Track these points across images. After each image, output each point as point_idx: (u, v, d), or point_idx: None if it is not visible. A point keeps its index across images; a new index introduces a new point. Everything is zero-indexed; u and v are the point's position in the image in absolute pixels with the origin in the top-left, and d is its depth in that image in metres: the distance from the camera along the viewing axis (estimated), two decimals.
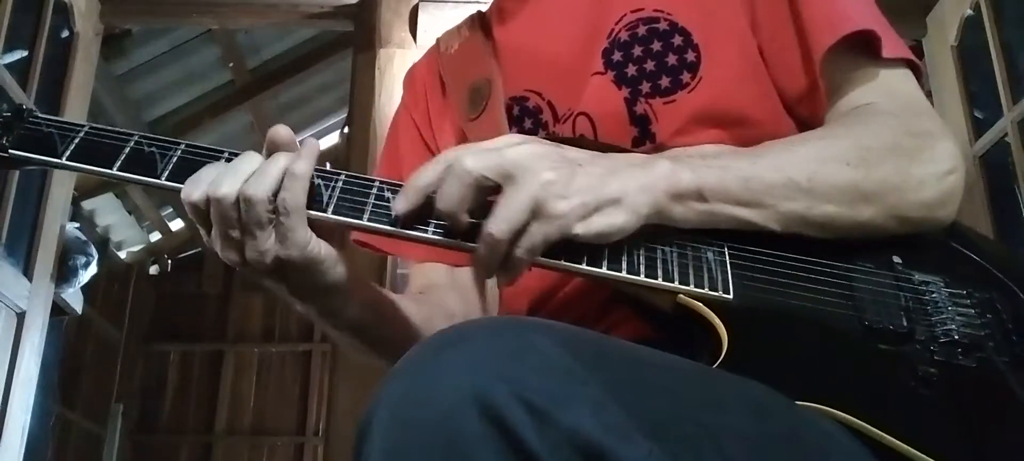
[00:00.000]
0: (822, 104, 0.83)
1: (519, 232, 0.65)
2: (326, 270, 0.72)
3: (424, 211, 0.70)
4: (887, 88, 0.82)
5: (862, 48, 0.82)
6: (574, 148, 0.71)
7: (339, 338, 0.85)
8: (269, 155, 0.71)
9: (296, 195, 0.68)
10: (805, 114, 0.85)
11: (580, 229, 0.67)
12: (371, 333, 0.84)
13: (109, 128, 0.77)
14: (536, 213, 0.65)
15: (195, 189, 0.69)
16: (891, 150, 0.76)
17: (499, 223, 0.65)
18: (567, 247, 0.69)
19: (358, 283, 0.80)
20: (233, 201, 0.67)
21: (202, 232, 0.71)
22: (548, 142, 0.70)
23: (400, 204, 0.69)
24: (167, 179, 0.73)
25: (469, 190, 0.66)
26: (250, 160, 0.69)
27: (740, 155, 0.75)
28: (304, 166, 0.68)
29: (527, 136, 0.71)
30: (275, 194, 0.68)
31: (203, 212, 0.69)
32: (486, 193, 0.67)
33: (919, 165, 0.76)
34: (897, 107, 0.81)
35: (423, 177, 0.69)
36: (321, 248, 0.71)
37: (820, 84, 0.82)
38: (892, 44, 0.82)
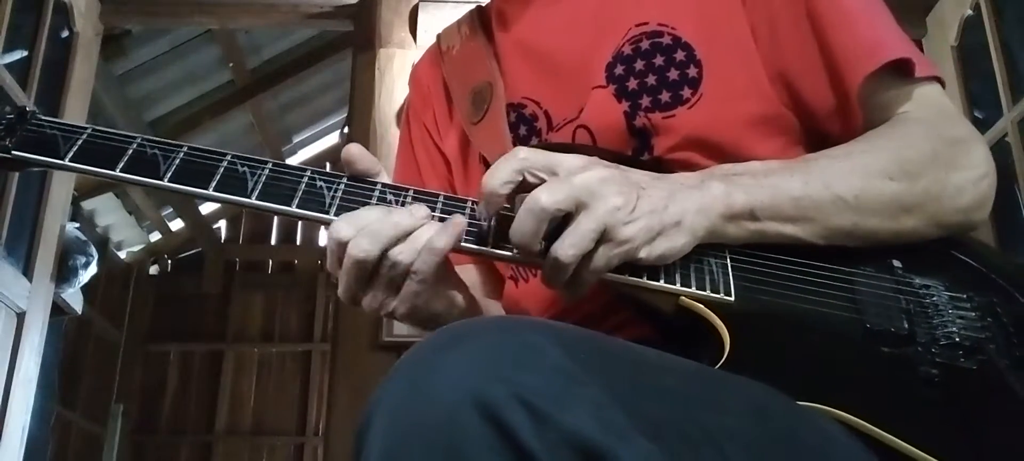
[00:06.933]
0: (852, 120, 0.84)
1: (587, 256, 0.68)
2: (440, 317, 0.78)
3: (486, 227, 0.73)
4: (919, 99, 0.84)
5: (895, 70, 0.83)
6: (635, 170, 0.74)
7: None
8: (348, 173, 0.77)
9: (429, 266, 0.71)
10: (836, 130, 0.85)
11: (644, 253, 0.70)
12: None
13: (112, 131, 0.77)
14: (603, 238, 0.68)
15: (346, 227, 0.71)
16: (930, 160, 0.78)
17: (567, 249, 0.67)
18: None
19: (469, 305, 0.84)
20: (376, 258, 0.70)
21: (330, 261, 0.73)
22: (611, 165, 0.73)
23: (483, 212, 0.73)
24: (169, 181, 0.73)
25: (543, 224, 0.68)
26: (409, 215, 0.72)
27: (789, 171, 0.77)
28: (445, 241, 0.71)
29: (590, 158, 0.73)
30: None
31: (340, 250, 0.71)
32: (557, 221, 0.69)
33: (956, 172, 0.79)
34: (931, 115, 0.83)
35: (497, 180, 0.71)
36: (438, 306, 0.77)
37: (854, 105, 0.82)
38: (922, 65, 0.84)
